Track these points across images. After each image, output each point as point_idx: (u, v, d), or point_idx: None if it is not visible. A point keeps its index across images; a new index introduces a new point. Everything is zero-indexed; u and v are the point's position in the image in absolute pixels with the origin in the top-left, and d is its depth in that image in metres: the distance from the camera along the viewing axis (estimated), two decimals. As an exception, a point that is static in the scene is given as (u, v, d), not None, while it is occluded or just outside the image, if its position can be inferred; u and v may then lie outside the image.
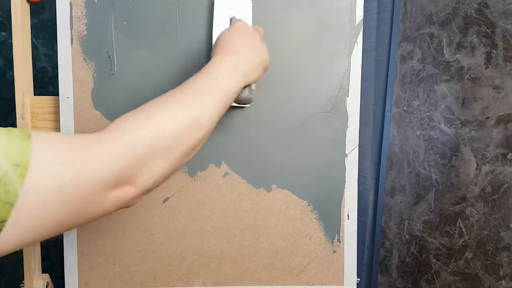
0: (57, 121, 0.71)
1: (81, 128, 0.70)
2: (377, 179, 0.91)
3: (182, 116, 0.43)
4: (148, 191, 0.42)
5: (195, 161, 0.72)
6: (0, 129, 0.34)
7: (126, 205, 0.41)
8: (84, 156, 0.36)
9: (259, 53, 0.56)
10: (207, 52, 0.71)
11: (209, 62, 0.51)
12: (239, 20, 0.61)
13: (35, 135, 0.35)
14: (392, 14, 0.85)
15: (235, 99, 0.57)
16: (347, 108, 0.73)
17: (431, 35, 0.80)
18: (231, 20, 0.66)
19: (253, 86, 0.60)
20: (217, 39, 0.56)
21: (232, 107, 0.62)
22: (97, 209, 0.38)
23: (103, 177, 0.36)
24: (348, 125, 0.74)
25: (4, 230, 0.32)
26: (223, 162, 0.73)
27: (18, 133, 0.34)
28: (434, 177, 0.82)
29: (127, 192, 0.39)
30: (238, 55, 0.52)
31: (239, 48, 0.53)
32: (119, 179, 0.38)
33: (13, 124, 1.01)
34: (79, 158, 0.36)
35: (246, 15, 0.67)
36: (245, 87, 0.56)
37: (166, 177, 0.43)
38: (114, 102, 0.70)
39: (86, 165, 0.36)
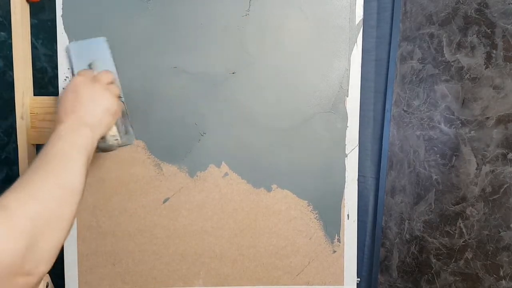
0: (57, 121, 0.71)
1: (81, 128, 0.70)
2: (377, 179, 0.91)
3: (57, 191, 0.45)
4: (44, 274, 0.41)
5: (195, 161, 0.72)
6: None
7: None
8: None
9: (101, 103, 0.58)
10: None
11: (56, 128, 0.53)
12: (74, 77, 0.61)
13: None
14: (392, 14, 0.85)
15: (99, 149, 0.60)
16: (347, 108, 0.73)
17: (431, 35, 0.80)
18: (90, 65, 0.66)
19: (112, 132, 0.62)
20: (58, 101, 0.58)
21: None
22: None
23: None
24: (348, 125, 0.74)
25: None
26: (223, 162, 0.73)
27: None
28: (434, 177, 0.82)
29: (27, 280, 0.39)
30: (79, 113, 0.54)
31: (78, 106, 0.55)
32: (15, 270, 0.37)
33: (13, 124, 1.01)
34: None
35: (104, 56, 0.67)
36: (102, 137, 0.59)
37: (57, 253, 0.44)
38: (114, 102, 0.70)
39: None
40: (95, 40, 0.68)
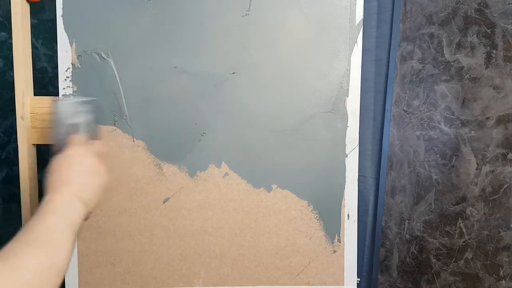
0: (57, 121, 0.71)
1: (81, 128, 0.70)
2: (377, 179, 0.91)
3: (42, 270, 0.43)
4: None
5: (195, 161, 0.72)
6: None
7: None
8: None
9: (96, 177, 0.56)
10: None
11: (48, 197, 0.50)
12: (72, 144, 0.58)
13: None
14: (392, 14, 0.85)
15: None
16: (347, 108, 0.73)
17: (431, 35, 0.80)
18: (74, 126, 0.62)
19: None
20: (51, 168, 0.55)
21: None
22: None
23: None
24: (348, 125, 0.74)
25: None
26: (223, 162, 0.73)
27: None
28: (434, 177, 0.82)
29: None
30: (74, 185, 0.52)
31: (74, 177, 0.53)
32: None
33: (13, 124, 1.01)
34: None
35: (91, 123, 0.64)
36: None
37: None
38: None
39: None
40: (88, 101, 0.65)
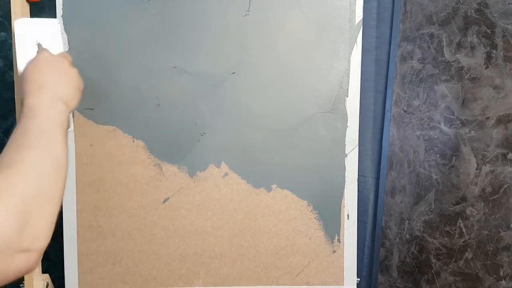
0: (57, 121, 0.71)
1: (81, 128, 0.70)
2: (377, 179, 0.91)
3: (45, 168, 0.44)
4: (43, 249, 0.41)
5: (195, 161, 0.72)
6: None
7: (31, 269, 0.40)
8: None
9: (72, 79, 0.56)
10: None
11: (27, 103, 0.49)
12: (41, 51, 0.58)
13: None
14: (392, 14, 0.85)
15: None
16: (347, 108, 0.73)
17: (431, 35, 0.80)
18: (38, 46, 0.60)
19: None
20: (23, 76, 0.53)
21: None
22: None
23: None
24: (347, 125, 0.74)
25: None
26: (223, 162, 0.73)
27: None
28: (434, 177, 0.82)
29: (27, 257, 0.39)
30: (51, 87, 0.52)
31: (50, 80, 0.52)
32: (12, 248, 0.37)
33: (13, 124, 1.01)
34: None
35: (54, 38, 0.62)
36: None
37: (52, 228, 0.43)
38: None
39: None
40: (47, 21, 0.63)
